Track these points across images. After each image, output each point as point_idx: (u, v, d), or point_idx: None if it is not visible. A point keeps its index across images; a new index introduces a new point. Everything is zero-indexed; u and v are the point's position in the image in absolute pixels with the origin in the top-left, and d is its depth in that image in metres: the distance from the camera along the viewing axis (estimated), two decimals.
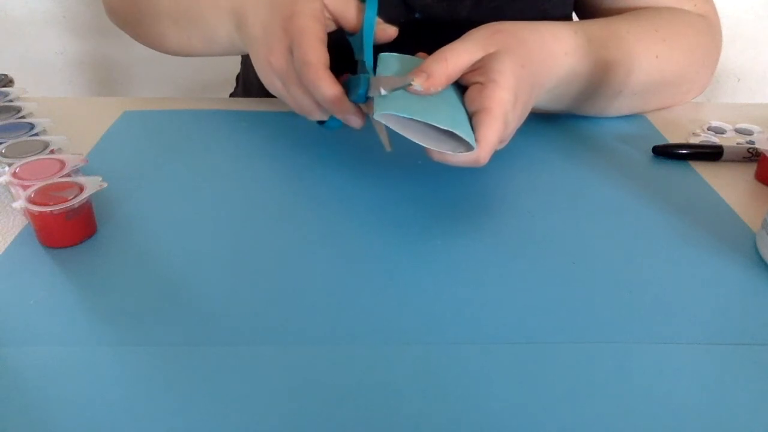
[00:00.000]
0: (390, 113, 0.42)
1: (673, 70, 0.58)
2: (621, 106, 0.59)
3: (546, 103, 0.55)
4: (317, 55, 0.45)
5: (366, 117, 0.47)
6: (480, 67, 0.45)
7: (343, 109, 0.46)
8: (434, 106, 0.44)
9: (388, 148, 0.45)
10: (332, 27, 0.50)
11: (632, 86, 0.56)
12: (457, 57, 0.45)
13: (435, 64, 0.44)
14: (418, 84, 0.43)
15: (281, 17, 0.47)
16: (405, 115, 0.42)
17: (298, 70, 0.46)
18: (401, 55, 0.48)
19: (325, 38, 0.47)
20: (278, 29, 0.47)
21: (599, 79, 0.54)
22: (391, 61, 0.47)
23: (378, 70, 0.47)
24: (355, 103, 0.46)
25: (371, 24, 0.48)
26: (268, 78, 0.50)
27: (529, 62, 0.47)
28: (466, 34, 0.47)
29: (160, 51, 0.65)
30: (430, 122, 0.42)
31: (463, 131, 0.42)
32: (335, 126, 0.50)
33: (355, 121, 0.47)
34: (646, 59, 0.55)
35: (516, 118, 0.46)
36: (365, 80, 0.45)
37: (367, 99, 0.45)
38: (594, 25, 0.54)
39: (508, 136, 0.47)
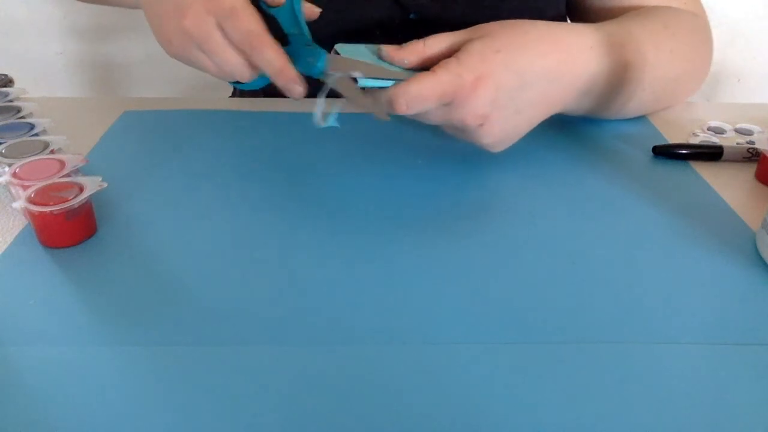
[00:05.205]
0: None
1: (684, 67, 0.58)
2: (637, 106, 0.58)
3: (576, 106, 0.54)
4: (258, 23, 0.44)
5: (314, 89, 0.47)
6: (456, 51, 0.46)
7: (289, 77, 0.45)
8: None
9: (386, 118, 0.45)
10: None
11: (651, 83, 0.56)
12: (438, 41, 0.46)
13: (412, 43, 0.45)
14: (386, 51, 0.44)
15: None
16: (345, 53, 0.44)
17: (238, 39, 0.45)
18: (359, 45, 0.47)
19: None
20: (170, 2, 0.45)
21: (621, 77, 0.53)
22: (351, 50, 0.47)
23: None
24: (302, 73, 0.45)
25: None
26: (179, 42, 0.47)
27: (513, 48, 0.46)
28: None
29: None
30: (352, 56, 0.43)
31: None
32: (256, 85, 0.49)
33: (297, 91, 0.46)
34: (661, 55, 0.55)
35: (483, 99, 0.45)
36: (323, 55, 0.45)
37: (323, 74, 0.45)
38: (606, 24, 0.54)
39: (468, 118, 0.45)
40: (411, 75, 0.44)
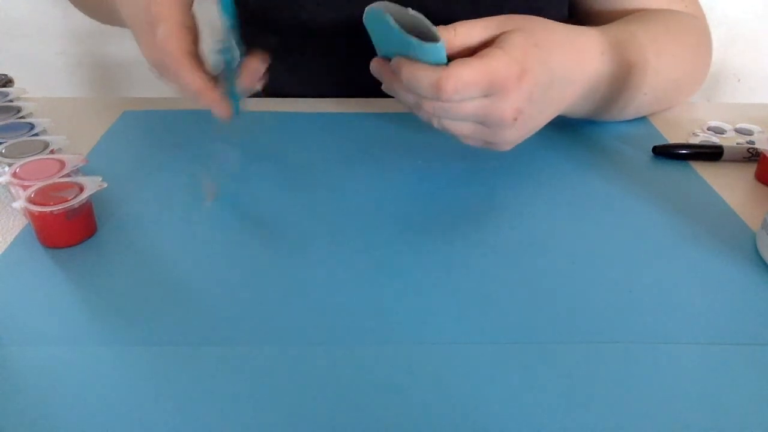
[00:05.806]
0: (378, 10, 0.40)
1: (684, 70, 0.58)
2: (636, 109, 0.58)
3: (575, 108, 0.54)
4: (176, 43, 0.42)
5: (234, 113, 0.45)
6: (492, 42, 0.44)
7: (209, 98, 0.43)
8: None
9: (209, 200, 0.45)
10: None
11: (652, 87, 0.55)
12: (469, 29, 0.44)
13: (442, 28, 0.42)
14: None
15: (143, 4, 0.44)
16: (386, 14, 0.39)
17: (163, 64, 0.44)
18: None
19: (186, 20, 0.44)
20: (142, 21, 0.44)
21: (625, 80, 0.53)
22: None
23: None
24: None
25: None
26: (151, 68, 0.47)
27: (547, 44, 0.45)
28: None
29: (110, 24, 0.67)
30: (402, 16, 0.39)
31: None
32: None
33: (219, 111, 0.44)
34: (663, 59, 0.55)
35: (524, 93, 0.43)
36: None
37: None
38: (611, 28, 0.53)
39: (507, 111, 0.44)
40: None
